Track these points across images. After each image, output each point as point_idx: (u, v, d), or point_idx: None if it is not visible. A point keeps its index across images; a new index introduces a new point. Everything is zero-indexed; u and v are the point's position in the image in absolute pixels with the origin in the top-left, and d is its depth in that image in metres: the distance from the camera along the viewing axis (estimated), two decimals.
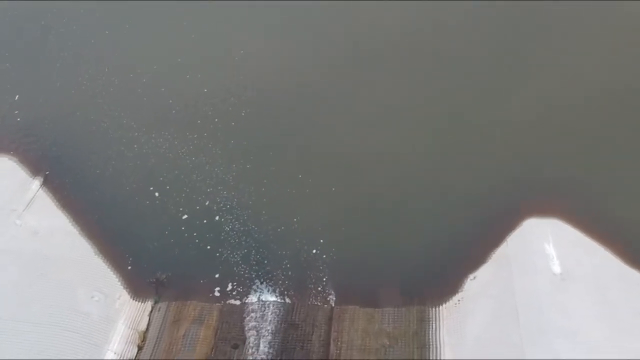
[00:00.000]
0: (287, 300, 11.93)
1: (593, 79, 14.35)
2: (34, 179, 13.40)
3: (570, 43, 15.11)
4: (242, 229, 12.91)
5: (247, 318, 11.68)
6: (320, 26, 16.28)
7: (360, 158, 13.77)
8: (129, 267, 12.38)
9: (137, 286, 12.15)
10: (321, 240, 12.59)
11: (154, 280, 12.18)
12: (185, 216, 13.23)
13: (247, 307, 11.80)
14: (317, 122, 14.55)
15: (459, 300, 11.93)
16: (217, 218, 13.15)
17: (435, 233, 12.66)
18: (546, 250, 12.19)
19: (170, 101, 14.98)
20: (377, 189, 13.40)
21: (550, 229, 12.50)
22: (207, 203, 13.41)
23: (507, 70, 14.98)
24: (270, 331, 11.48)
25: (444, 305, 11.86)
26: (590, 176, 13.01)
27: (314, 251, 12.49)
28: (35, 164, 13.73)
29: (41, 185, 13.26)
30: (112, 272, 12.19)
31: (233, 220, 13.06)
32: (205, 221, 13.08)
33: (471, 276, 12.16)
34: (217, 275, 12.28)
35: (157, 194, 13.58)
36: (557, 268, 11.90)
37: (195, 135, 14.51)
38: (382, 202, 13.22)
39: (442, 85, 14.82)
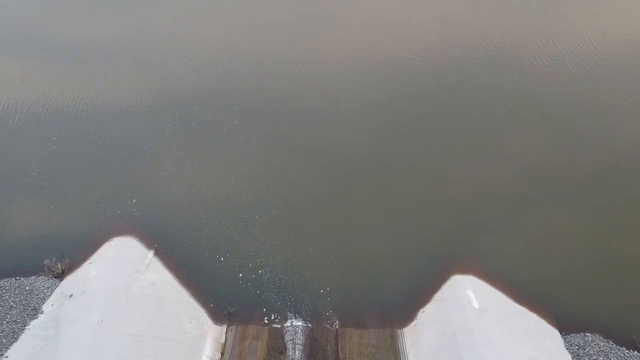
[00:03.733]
0: (309, 324, 19.14)
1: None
2: (149, 250, 20.95)
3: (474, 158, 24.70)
4: (276, 279, 20.44)
5: (286, 335, 18.78)
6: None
7: (349, 238, 21.92)
8: (211, 305, 19.65)
9: (217, 316, 19.32)
10: (327, 288, 20.20)
11: (227, 312, 19.36)
12: (241, 274, 20.73)
13: (285, 328, 18.97)
14: (320, 217, 22.92)
15: (415, 325, 19.04)
16: (260, 272, 20.70)
17: (400, 284, 20.35)
18: (468, 295, 19.51)
19: (229, 204, 23.33)
20: (363, 257, 21.20)
21: (469, 281, 20.04)
22: (250, 265, 20.97)
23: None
24: (301, 343, 18.53)
25: (405, 328, 18.97)
26: (488, 250, 21.42)
27: (322, 291, 20.08)
28: (148, 241, 21.40)
29: (154, 255, 20.75)
30: (201, 308, 19.37)
31: (270, 274, 20.57)
32: (253, 276, 20.62)
33: (421, 310, 19.44)
34: (264, 309, 19.58)
35: (222, 259, 21.17)
36: (476, 305, 19.15)
37: (242, 224, 22.53)
38: (366, 264, 20.97)
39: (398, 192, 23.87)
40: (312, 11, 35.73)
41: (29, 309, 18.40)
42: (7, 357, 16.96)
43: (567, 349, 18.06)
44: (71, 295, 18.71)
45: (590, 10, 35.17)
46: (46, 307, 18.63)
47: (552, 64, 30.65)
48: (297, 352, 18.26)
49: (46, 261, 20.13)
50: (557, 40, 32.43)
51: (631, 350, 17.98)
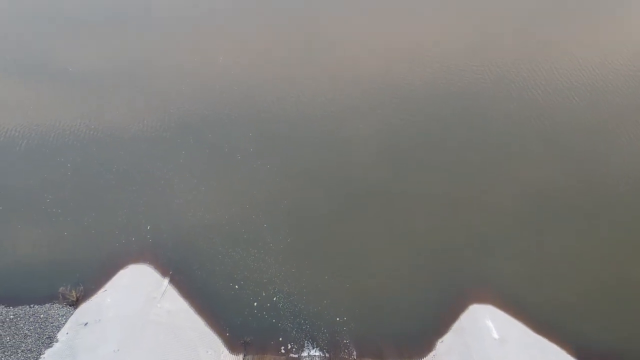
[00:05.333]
0: (326, 354, 18.88)
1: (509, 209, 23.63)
2: (164, 278, 20.80)
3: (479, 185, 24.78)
4: (292, 307, 20.28)
5: None
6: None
7: (364, 265, 21.77)
8: (227, 334, 19.42)
9: (233, 345, 19.08)
10: (344, 317, 19.99)
11: (242, 342, 19.12)
12: (255, 303, 20.54)
13: (303, 358, 18.69)
14: (335, 244, 22.80)
15: (434, 355, 18.84)
16: (274, 299, 20.53)
17: (416, 312, 20.17)
18: (487, 324, 19.43)
19: (244, 231, 23.25)
20: (378, 285, 21.04)
21: (487, 310, 19.96)
22: (264, 293, 20.81)
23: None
24: None
25: (424, 358, 18.68)
26: (506, 281, 21.26)
27: (338, 319, 19.90)
28: (163, 268, 21.28)
29: (169, 282, 20.60)
30: (217, 337, 19.14)
31: (285, 302, 20.41)
32: (268, 304, 20.42)
33: (440, 340, 19.30)
34: (280, 338, 19.36)
35: (236, 287, 21.00)
36: (495, 335, 19.11)
37: (256, 251, 22.42)
38: (382, 292, 20.82)
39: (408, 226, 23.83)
40: (323, 38, 36.35)
41: (44, 338, 18.13)
42: None
43: None
44: (86, 324, 18.45)
45: (591, 39, 35.86)
46: (61, 335, 18.38)
47: (554, 91, 31.03)
48: None
49: (61, 289, 19.99)
50: (559, 69, 32.87)
51: None
